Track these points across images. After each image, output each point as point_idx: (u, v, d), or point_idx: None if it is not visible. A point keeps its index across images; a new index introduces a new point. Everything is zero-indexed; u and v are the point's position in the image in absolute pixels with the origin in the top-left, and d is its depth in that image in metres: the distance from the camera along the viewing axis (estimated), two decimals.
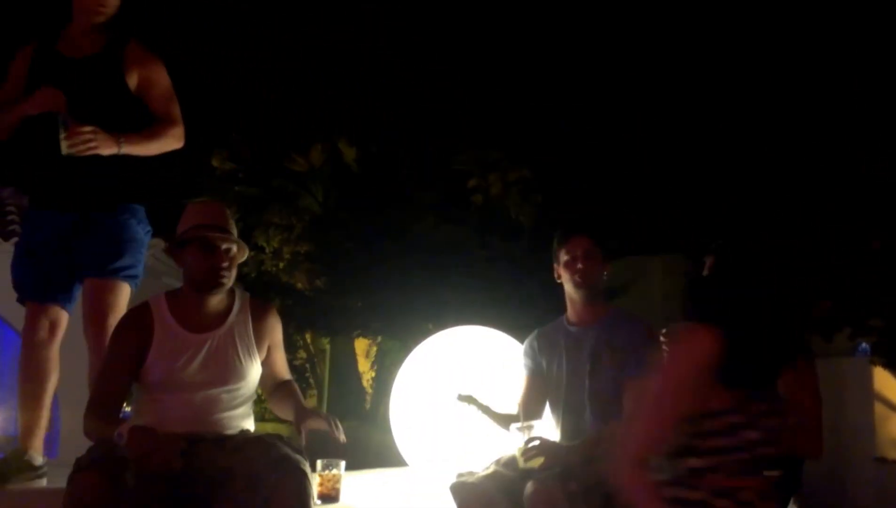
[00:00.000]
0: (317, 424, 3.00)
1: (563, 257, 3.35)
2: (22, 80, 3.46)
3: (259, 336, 3.16)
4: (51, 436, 7.75)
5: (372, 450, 3.91)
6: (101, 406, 2.97)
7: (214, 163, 7.52)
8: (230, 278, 3.09)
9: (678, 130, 9.33)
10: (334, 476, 3.35)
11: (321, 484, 3.30)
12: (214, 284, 3.04)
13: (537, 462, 3.05)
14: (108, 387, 3.00)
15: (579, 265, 3.31)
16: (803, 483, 3.61)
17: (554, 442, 3.16)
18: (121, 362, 3.01)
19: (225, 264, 3.06)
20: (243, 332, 3.14)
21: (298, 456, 2.90)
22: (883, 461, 7.90)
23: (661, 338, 3.04)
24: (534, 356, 3.49)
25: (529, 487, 2.93)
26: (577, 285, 3.32)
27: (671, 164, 9.12)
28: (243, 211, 7.16)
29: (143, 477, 2.74)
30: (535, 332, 3.53)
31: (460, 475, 3.20)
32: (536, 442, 3.10)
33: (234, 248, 3.07)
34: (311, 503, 2.85)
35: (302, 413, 3.03)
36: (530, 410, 3.41)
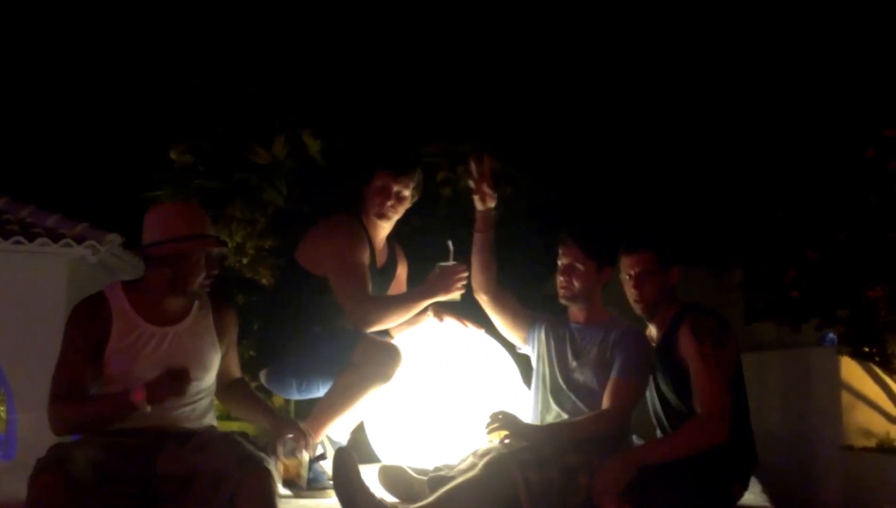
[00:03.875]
0: (293, 436, 3.18)
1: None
2: None
3: (220, 332, 3.14)
4: (7, 438, 7.64)
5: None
6: (72, 389, 2.90)
7: (173, 156, 7.37)
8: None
9: (655, 121, 9.34)
10: (298, 461, 3.25)
11: (285, 470, 3.21)
12: (199, 289, 3.06)
13: (500, 434, 3.06)
14: (72, 376, 2.93)
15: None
16: (769, 467, 3.60)
17: (518, 418, 3.15)
18: (80, 352, 2.95)
19: (216, 272, 3.09)
20: (205, 326, 3.11)
21: (263, 454, 2.87)
22: (850, 448, 7.96)
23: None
24: (535, 318, 3.57)
25: (485, 461, 2.93)
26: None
27: (654, 160, 9.13)
28: (204, 205, 6.99)
29: (106, 477, 2.71)
30: (544, 317, 3.57)
31: (437, 469, 3.17)
32: (500, 416, 3.07)
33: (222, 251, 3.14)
34: (276, 501, 2.81)
35: (278, 425, 3.19)
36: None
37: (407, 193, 3.74)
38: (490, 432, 3.11)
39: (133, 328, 2.99)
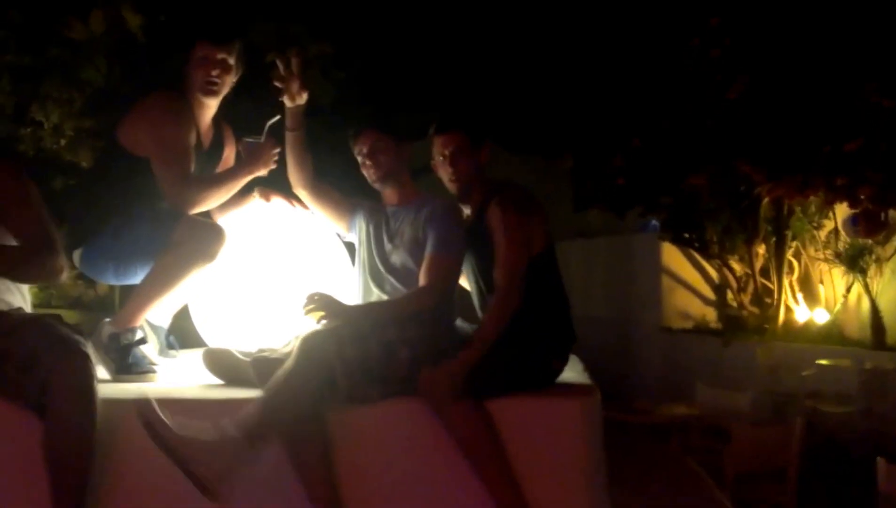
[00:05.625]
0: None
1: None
2: None
3: None
4: None
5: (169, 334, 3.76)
6: None
7: None
8: None
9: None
10: None
11: None
12: None
13: (317, 315, 3.06)
14: None
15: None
16: (592, 348, 3.75)
17: (336, 299, 3.15)
18: None
19: None
20: None
21: (79, 337, 2.79)
22: (668, 330, 8.43)
23: None
24: (354, 205, 3.60)
25: (300, 340, 2.93)
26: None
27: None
28: (15, 83, 6.56)
29: None
30: (365, 204, 3.60)
31: (261, 350, 3.16)
32: (317, 297, 3.09)
33: None
34: (94, 385, 2.76)
35: None
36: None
37: (231, 61, 3.58)
38: (307, 313, 3.09)
39: None
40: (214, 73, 3.54)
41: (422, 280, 3.23)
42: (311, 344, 2.90)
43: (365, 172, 3.47)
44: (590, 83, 8.49)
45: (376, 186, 3.48)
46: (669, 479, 4.27)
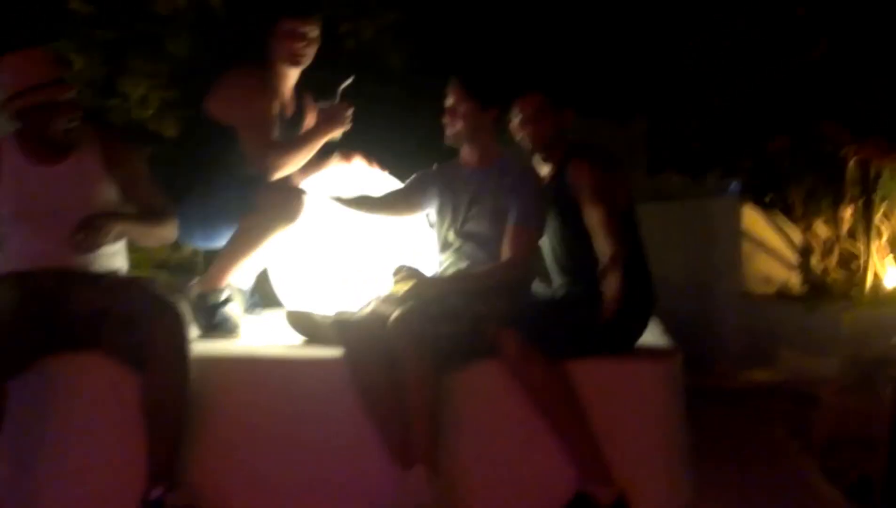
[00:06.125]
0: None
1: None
2: None
3: (110, 165, 3.17)
4: None
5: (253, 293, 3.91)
6: None
7: (73, 6, 7.03)
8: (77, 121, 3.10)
9: None
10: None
11: None
12: (73, 131, 3.09)
13: (406, 285, 3.11)
14: None
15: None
16: (671, 314, 3.71)
17: (422, 272, 3.22)
18: None
19: (76, 112, 3.09)
20: (91, 163, 3.14)
21: (172, 297, 2.97)
22: (749, 295, 8.29)
23: None
24: (425, 180, 3.56)
25: (393, 316, 2.97)
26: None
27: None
28: (105, 57, 6.76)
29: (22, 317, 2.84)
30: (436, 165, 3.59)
31: (340, 313, 3.22)
32: (406, 269, 3.16)
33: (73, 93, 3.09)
34: (188, 343, 2.93)
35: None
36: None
37: (315, 34, 3.71)
38: (397, 283, 3.15)
39: (19, 168, 3.09)
40: (300, 45, 3.66)
41: (506, 252, 3.23)
42: (405, 322, 2.95)
43: (444, 125, 3.43)
44: (664, 43, 8.33)
45: (448, 141, 3.44)
46: (755, 445, 4.20)
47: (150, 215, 3.25)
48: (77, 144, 3.14)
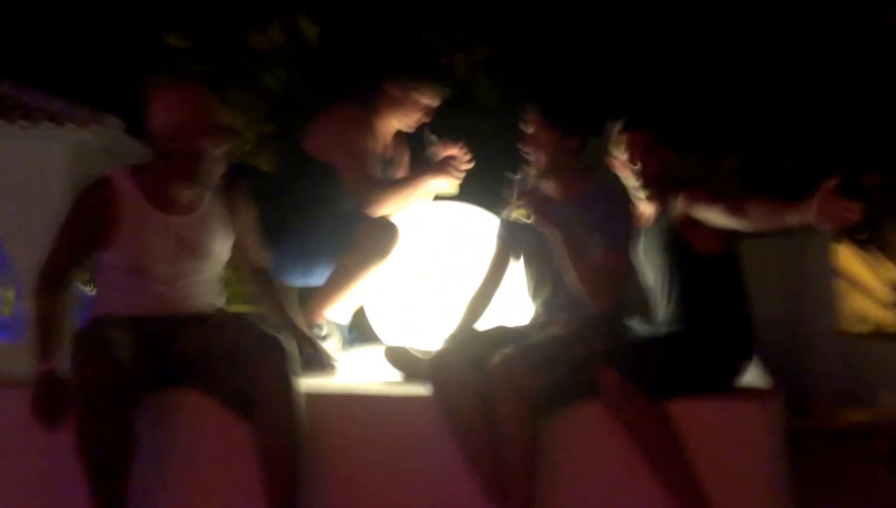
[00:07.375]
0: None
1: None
2: None
3: (232, 218, 3.09)
4: (15, 320, 7.76)
5: (350, 329, 3.95)
6: (56, 277, 2.94)
7: (172, 41, 7.27)
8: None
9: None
10: None
11: None
12: (200, 187, 2.97)
13: (524, 212, 3.13)
14: (59, 261, 2.95)
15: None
16: (764, 352, 3.62)
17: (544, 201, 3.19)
18: (71, 241, 2.94)
19: (221, 169, 2.98)
20: (216, 215, 3.06)
21: (278, 334, 2.92)
22: (843, 334, 8.09)
23: None
24: (514, 247, 3.45)
25: (493, 363, 2.95)
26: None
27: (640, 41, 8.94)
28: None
29: (139, 359, 2.76)
30: (515, 227, 3.39)
31: (436, 351, 3.21)
32: (527, 196, 3.14)
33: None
34: (295, 379, 2.87)
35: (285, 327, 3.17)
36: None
37: (437, 104, 3.77)
38: (517, 208, 3.13)
39: (142, 215, 2.92)
40: (420, 116, 3.75)
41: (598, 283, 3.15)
42: (505, 370, 2.92)
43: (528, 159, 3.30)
44: (758, 79, 8.23)
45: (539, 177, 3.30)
46: (857, 487, 4.09)
47: (280, 292, 3.38)
48: (204, 196, 3.02)
